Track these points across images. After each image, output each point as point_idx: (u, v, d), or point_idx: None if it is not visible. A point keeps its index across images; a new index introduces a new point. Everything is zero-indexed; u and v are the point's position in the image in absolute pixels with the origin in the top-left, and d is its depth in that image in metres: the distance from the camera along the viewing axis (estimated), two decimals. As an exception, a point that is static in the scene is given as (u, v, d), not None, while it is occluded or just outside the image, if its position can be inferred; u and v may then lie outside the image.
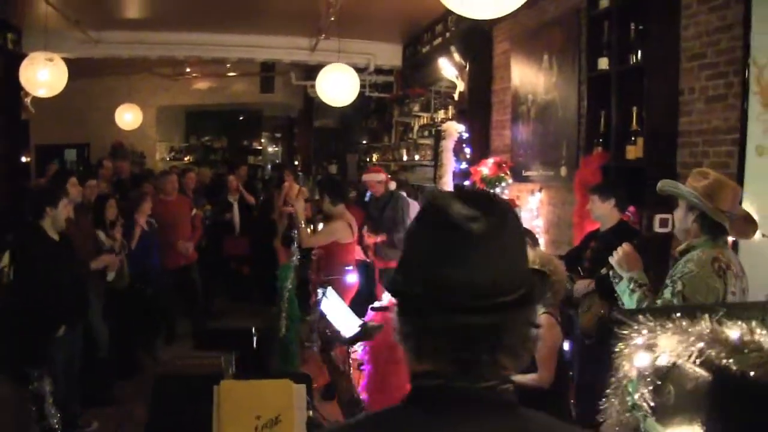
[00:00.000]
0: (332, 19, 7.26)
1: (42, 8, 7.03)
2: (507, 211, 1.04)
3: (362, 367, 3.39)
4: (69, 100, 8.66)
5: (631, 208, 4.44)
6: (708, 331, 0.67)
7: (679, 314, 0.72)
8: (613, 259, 2.94)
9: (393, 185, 6.92)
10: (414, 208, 7.20)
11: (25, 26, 8.31)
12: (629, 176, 4.46)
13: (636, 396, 0.70)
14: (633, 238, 3.45)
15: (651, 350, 0.70)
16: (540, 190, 6.18)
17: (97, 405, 5.16)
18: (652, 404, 0.70)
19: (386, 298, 3.40)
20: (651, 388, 0.70)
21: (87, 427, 4.93)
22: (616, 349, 0.73)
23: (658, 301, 2.67)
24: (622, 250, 2.92)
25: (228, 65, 11.87)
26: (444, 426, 0.96)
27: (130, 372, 5.81)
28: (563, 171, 5.77)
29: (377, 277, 6.67)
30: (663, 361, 0.70)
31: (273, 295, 6.15)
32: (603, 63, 4.81)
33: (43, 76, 6.77)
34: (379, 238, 6.66)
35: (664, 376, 0.70)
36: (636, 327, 0.73)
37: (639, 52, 4.42)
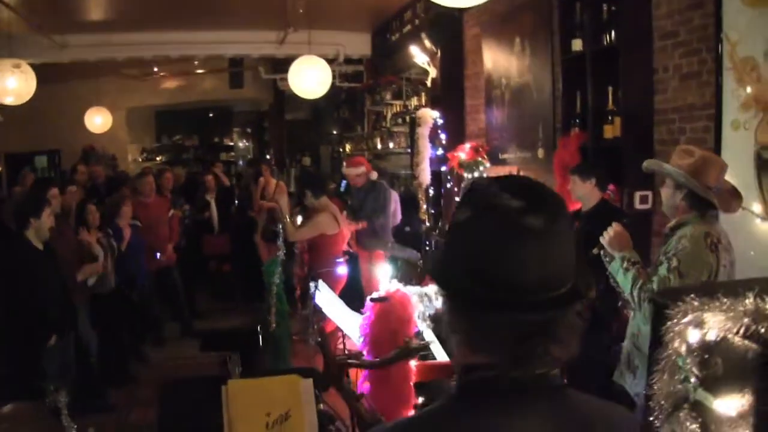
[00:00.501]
0: (300, 11, 7.22)
1: (3, 14, 6.88)
2: (559, 204, 1.01)
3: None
4: (36, 107, 8.48)
5: (612, 187, 4.51)
6: (752, 307, 0.71)
7: (723, 290, 0.77)
8: (603, 240, 2.97)
9: (375, 175, 6.93)
10: (394, 196, 7.23)
11: (-14, 33, 8.13)
12: (608, 155, 4.54)
13: (686, 368, 0.75)
14: (615, 216, 3.48)
15: (699, 327, 0.75)
16: (518, 173, 6.25)
17: (92, 412, 5.12)
18: (700, 375, 0.75)
19: (383, 289, 3.43)
20: (699, 360, 0.75)
21: (84, 434, 4.90)
22: (664, 327, 0.78)
23: (654, 278, 2.71)
24: (612, 230, 2.94)
25: (196, 63, 11.76)
26: (502, 414, 0.98)
27: (121, 378, 5.77)
28: (540, 153, 5.84)
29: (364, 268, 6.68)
30: (711, 336, 0.75)
31: (256, 291, 6.11)
32: (577, 44, 4.87)
33: (11, 83, 6.66)
34: (360, 225, 6.67)
35: (711, 350, 0.75)
36: (683, 306, 0.78)
37: (612, 32, 4.49)
